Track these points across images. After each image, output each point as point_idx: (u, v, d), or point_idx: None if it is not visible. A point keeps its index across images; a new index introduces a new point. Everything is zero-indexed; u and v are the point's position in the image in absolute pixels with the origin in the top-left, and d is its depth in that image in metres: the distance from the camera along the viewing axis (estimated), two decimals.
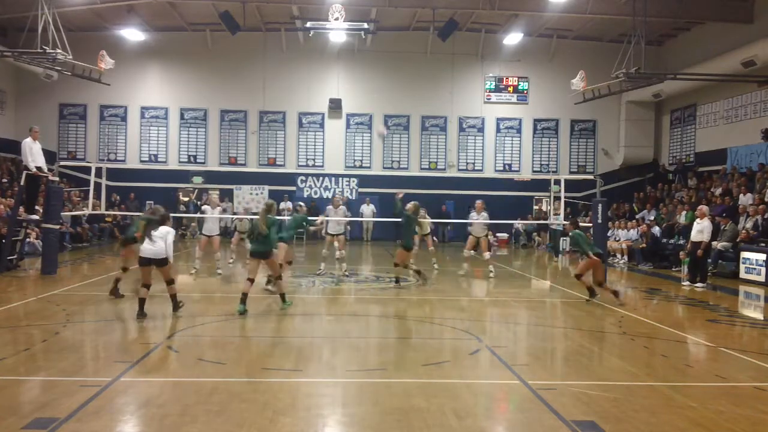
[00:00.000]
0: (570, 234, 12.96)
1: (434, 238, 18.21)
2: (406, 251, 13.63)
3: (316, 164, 28.11)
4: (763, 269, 15.15)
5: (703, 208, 15.10)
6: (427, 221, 17.14)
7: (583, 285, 12.11)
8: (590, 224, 17.49)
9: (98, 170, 17.94)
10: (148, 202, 26.06)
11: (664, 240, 19.60)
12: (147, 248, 9.70)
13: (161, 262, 9.74)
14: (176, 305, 9.98)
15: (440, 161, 28.40)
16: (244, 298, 10.07)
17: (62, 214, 16.66)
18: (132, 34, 25.82)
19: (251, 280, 10.22)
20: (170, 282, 9.94)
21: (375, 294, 12.90)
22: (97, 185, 17.72)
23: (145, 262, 9.73)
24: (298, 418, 5.50)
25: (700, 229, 14.47)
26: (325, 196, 27.41)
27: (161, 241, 9.75)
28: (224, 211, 15.99)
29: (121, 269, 11.48)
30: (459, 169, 28.17)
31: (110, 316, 10.10)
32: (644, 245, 19.44)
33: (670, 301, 12.93)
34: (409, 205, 14.04)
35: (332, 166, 27.92)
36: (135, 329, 9.41)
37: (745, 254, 15.96)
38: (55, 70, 21.39)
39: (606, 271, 15.30)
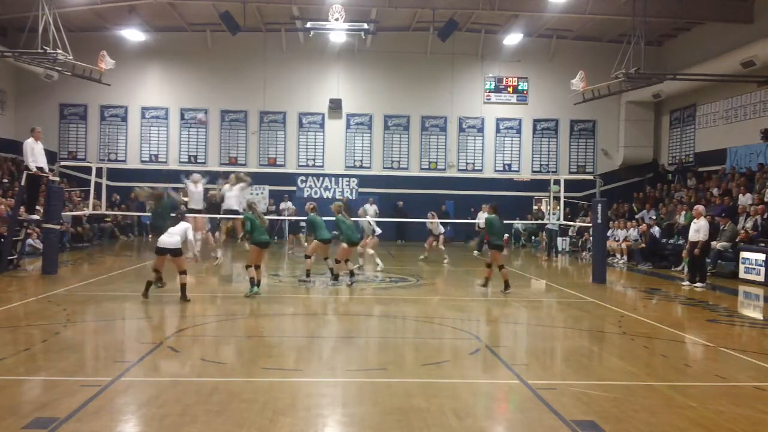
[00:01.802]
0: (485, 217, 13.91)
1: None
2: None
3: (316, 164, 28.12)
4: (763, 269, 15.16)
5: (699, 207, 15.10)
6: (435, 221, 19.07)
7: (502, 277, 12.90)
8: (590, 224, 17.52)
9: (99, 170, 17.94)
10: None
11: (664, 240, 19.62)
12: (164, 240, 10.76)
13: (175, 253, 10.76)
14: (184, 295, 10.77)
15: (440, 161, 28.41)
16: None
17: (63, 214, 16.68)
18: (132, 35, 25.82)
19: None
20: (183, 272, 10.84)
21: (375, 294, 12.91)
22: (98, 185, 17.72)
23: (162, 252, 10.79)
24: (298, 418, 5.51)
25: (697, 229, 14.49)
26: (325, 196, 27.44)
27: (177, 235, 10.83)
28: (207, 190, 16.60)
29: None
30: (459, 170, 28.17)
31: (110, 316, 10.12)
32: (644, 245, 19.45)
33: (670, 301, 12.94)
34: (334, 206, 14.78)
35: (332, 166, 27.91)
36: (135, 329, 9.43)
37: (744, 254, 15.97)
38: (55, 70, 21.39)
39: (605, 271, 15.36)
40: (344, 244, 13.63)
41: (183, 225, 11.14)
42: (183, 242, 10.95)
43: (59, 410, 5.49)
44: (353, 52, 27.61)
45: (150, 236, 22.50)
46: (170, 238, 10.81)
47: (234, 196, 15.43)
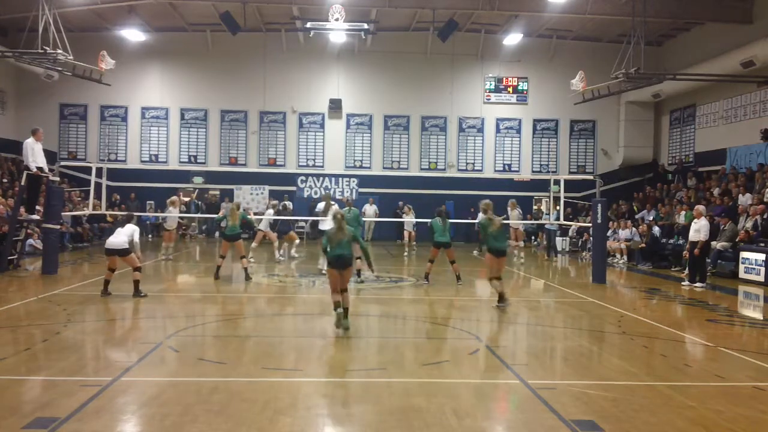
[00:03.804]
0: (430, 221, 14.37)
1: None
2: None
3: (317, 164, 28.14)
4: (762, 269, 15.17)
5: (700, 207, 15.12)
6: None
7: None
8: (590, 224, 17.53)
9: (99, 170, 17.95)
10: (148, 202, 26.26)
11: (664, 240, 19.62)
12: (111, 241, 11.23)
13: (123, 253, 11.13)
14: (137, 291, 11.20)
15: (440, 161, 28.42)
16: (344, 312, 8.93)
17: (63, 214, 16.69)
18: (132, 35, 25.83)
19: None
20: (136, 269, 11.28)
21: (375, 294, 12.91)
22: (98, 185, 17.73)
23: (110, 253, 11.21)
24: (298, 418, 5.52)
25: (697, 229, 14.50)
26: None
27: (124, 236, 11.19)
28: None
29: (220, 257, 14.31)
30: (459, 170, 28.19)
31: (111, 316, 10.12)
32: (644, 245, 19.46)
33: (670, 301, 12.95)
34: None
35: (332, 166, 27.95)
36: (135, 329, 9.44)
37: (744, 254, 15.98)
38: (55, 70, 21.39)
39: (605, 271, 15.36)
40: (487, 253, 11.35)
41: (130, 227, 11.40)
42: (130, 242, 11.32)
43: (60, 410, 5.49)
44: (353, 52, 27.62)
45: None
46: (116, 238, 11.17)
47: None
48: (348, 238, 9.03)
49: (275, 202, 19.58)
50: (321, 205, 15.87)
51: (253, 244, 17.78)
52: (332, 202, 15.61)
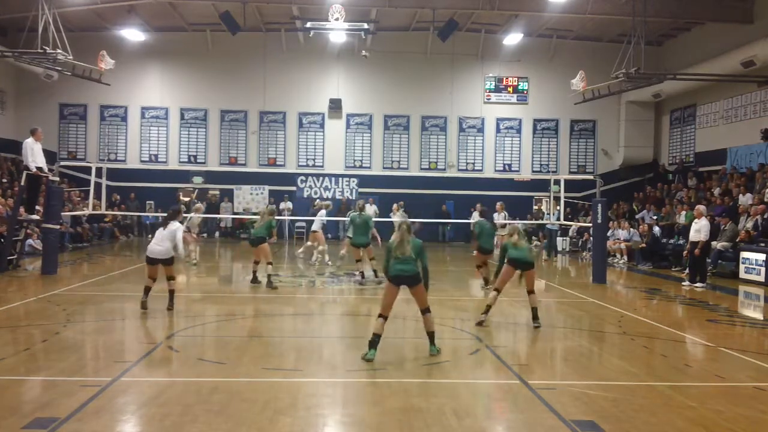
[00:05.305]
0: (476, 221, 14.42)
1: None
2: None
3: (316, 164, 28.13)
4: (763, 269, 15.16)
5: (700, 207, 15.11)
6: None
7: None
8: (590, 224, 17.53)
9: (98, 170, 17.96)
10: (148, 202, 26.26)
11: (664, 240, 19.62)
12: (153, 249, 10.12)
13: (167, 262, 10.16)
14: (172, 302, 10.24)
15: (440, 161, 28.41)
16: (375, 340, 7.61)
17: (62, 214, 16.69)
18: (132, 34, 25.82)
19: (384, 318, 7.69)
20: (171, 278, 10.31)
21: (375, 294, 12.89)
22: (98, 185, 17.74)
23: (152, 261, 10.14)
24: (298, 418, 5.51)
25: (698, 229, 14.50)
26: (325, 196, 27.41)
27: (168, 241, 10.11)
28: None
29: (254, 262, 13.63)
30: (459, 170, 28.18)
31: (110, 316, 10.12)
32: (644, 245, 19.45)
33: (670, 301, 12.94)
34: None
35: (332, 166, 27.92)
36: (135, 329, 9.43)
37: (744, 254, 15.98)
38: (55, 70, 21.39)
39: (606, 271, 15.33)
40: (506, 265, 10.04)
41: (173, 226, 10.27)
42: (175, 247, 10.23)
43: (59, 410, 5.49)
44: (353, 51, 27.59)
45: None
46: (160, 245, 10.07)
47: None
48: (413, 252, 7.65)
49: (327, 202, 19.28)
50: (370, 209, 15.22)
51: (321, 247, 17.29)
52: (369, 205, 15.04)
